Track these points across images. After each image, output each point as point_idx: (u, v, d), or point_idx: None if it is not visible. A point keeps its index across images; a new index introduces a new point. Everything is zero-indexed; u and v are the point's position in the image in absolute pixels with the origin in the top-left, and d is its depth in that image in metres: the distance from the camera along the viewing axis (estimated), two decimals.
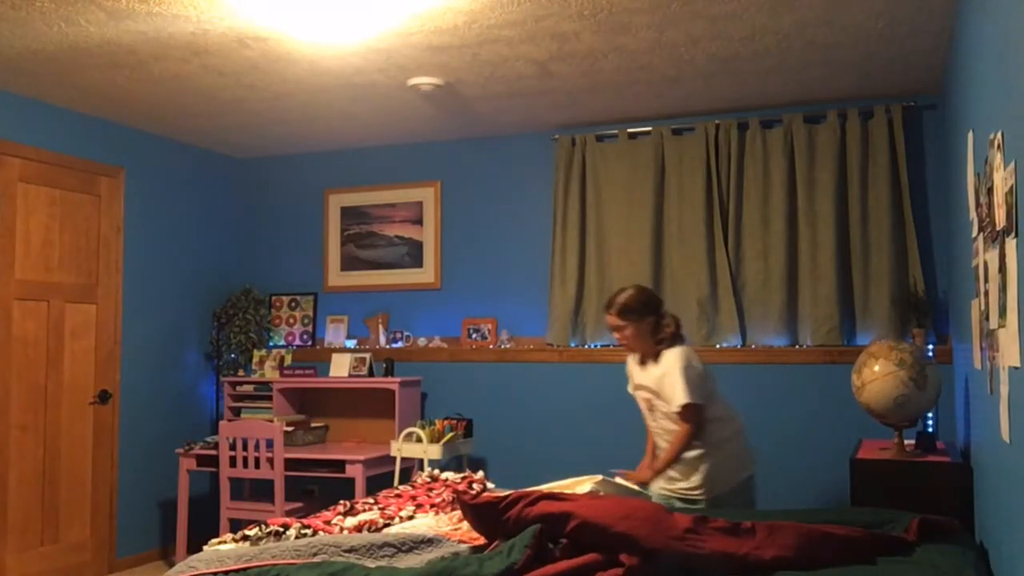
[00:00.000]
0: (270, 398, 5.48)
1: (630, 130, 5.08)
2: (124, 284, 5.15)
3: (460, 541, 2.66)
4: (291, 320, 5.90)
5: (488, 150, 5.51)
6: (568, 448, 5.10)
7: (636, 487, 3.31)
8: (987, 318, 2.52)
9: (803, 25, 3.64)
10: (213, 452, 4.93)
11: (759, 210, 4.79)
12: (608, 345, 5.07)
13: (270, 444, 4.73)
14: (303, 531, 2.83)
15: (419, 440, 4.76)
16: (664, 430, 3.46)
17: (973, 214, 2.89)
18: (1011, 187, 1.97)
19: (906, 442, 3.80)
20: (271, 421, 5.03)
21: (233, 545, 2.72)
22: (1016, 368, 2.01)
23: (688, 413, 3.32)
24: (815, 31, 3.70)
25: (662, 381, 3.38)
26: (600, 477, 3.20)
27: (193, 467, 5.06)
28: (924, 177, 4.63)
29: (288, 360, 5.64)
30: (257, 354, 5.70)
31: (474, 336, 5.40)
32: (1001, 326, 2.18)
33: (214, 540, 2.84)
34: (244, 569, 2.46)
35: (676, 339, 3.45)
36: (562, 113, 4.97)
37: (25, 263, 4.59)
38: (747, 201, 4.82)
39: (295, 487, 5.32)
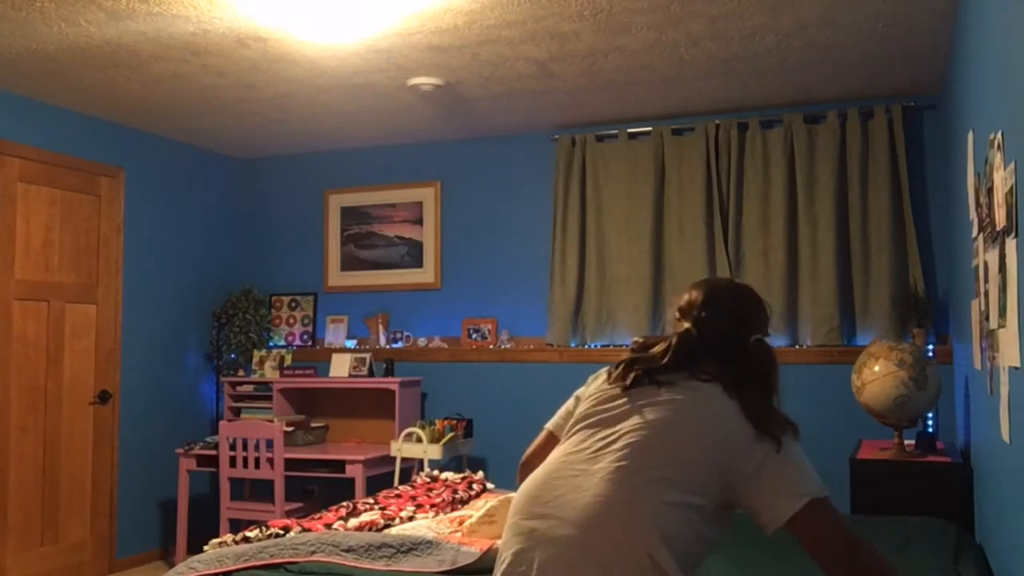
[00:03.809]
0: (270, 398, 5.48)
1: (630, 130, 5.08)
2: (124, 284, 5.15)
3: (460, 543, 2.66)
4: (291, 320, 5.90)
5: (488, 150, 5.51)
6: None
7: None
8: (987, 318, 2.52)
9: (803, 25, 3.64)
10: (213, 452, 4.93)
11: (759, 210, 4.79)
12: (608, 345, 5.07)
13: (270, 444, 4.73)
14: (303, 534, 2.83)
15: (419, 440, 4.76)
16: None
17: (973, 214, 2.89)
18: (1011, 187, 1.97)
19: (906, 442, 3.80)
20: (271, 421, 5.03)
21: (233, 547, 2.72)
22: (1016, 368, 2.01)
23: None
24: (815, 31, 3.70)
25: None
26: None
27: (193, 467, 5.06)
28: (924, 177, 4.63)
29: (288, 360, 5.64)
30: (257, 354, 5.70)
31: (474, 336, 5.40)
32: (1001, 326, 2.18)
33: (214, 540, 2.84)
34: (244, 569, 2.46)
35: None
36: (562, 113, 4.97)
37: (25, 263, 4.59)
38: (747, 201, 4.82)
39: (295, 487, 5.32)
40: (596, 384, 1.94)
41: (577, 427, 1.86)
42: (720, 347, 1.84)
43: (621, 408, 1.81)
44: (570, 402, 2.01)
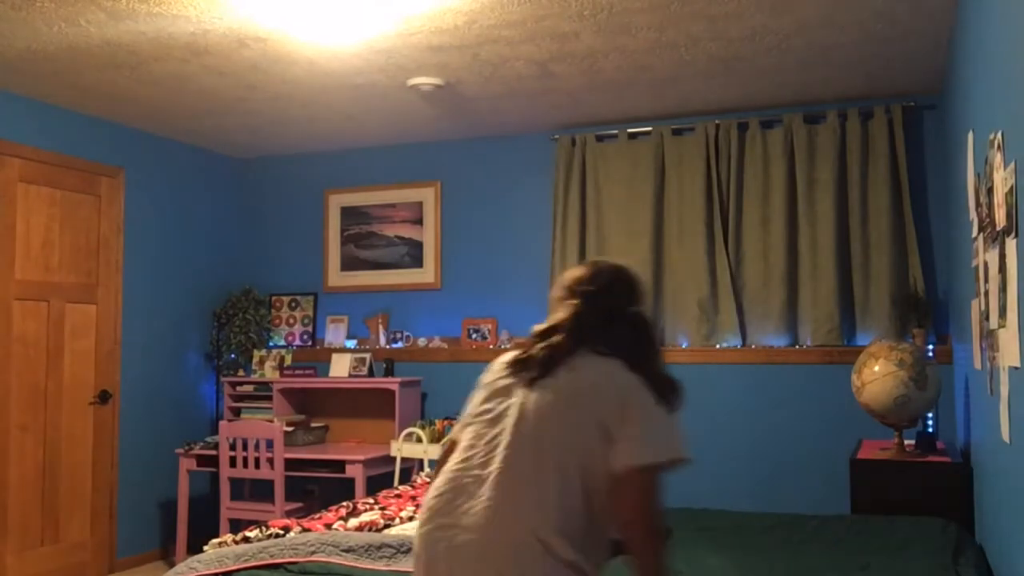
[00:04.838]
0: (270, 398, 5.48)
1: (630, 130, 5.08)
2: (124, 284, 5.15)
3: None
4: (291, 320, 5.90)
5: (488, 150, 5.51)
6: None
7: None
8: (987, 318, 2.52)
9: (803, 25, 3.64)
10: (213, 452, 4.93)
11: (759, 210, 4.79)
12: None
13: (270, 444, 4.72)
14: (303, 534, 2.83)
15: (419, 440, 4.76)
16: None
17: (973, 214, 2.89)
18: (1011, 187, 1.97)
19: (906, 442, 3.80)
20: (271, 421, 5.03)
21: (234, 547, 2.72)
22: (1016, 368, 2.01)
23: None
24: (815, 31, 3.70)
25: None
26: None
27: (193, 467, 5.06)
28: (924, 177, 4.63)
29: (288, 360, 5.64)
30: (257, 354, 5.70)
31: (474, 336, 5.40)
32: (1001, 326, 2.18)
33: (214, 540, 2.84)
34: (244, 569, 2.46)
35: None
36: (562, 113, 4.97)
37: (25, 263, 4.59)
38: (747, 201, 4.82)
39: (295, 487, 5.31)
40: (491, 375, 1.95)
41: (471, 424, 1.89)
42: (606, 321, 1.88)
43: (513, 401, 1.84)
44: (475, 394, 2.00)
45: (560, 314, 1.91)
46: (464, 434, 1.89)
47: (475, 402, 1.93)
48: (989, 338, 2.48)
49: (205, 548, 2.79)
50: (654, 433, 1.76)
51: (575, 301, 1.91)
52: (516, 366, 1.88)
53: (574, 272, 1.97)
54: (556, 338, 1.87)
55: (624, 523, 1.75)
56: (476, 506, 1.76)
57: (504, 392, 1.87)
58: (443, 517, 1.80)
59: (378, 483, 4.87)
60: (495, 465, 1.78)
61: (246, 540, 2.80)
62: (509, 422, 1.82)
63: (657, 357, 1.88)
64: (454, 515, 1.78)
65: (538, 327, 1.93)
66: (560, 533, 1.71)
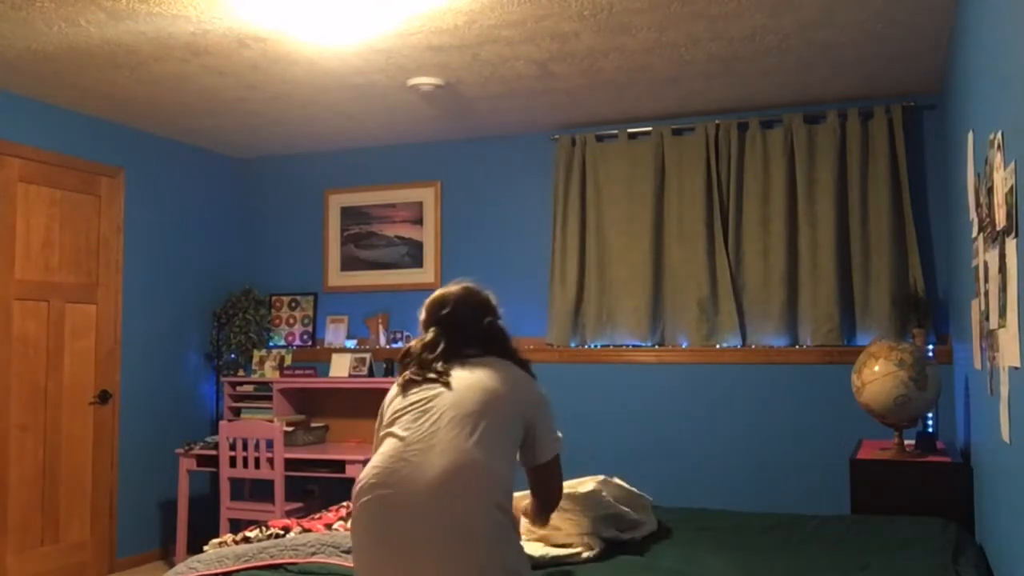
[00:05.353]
0: (270, 398, 5.48)
1: (630, 130, 5.08)
2: (124, 284, 5.15)
3: None
4: (291, 320, 5.90)
5: (488, 150, 5.51)
6: (568, 448, 5.08)
7: (636, 489, 3.31)
8: (987, 318, 2.52)
9: (803, 25, 3.64)
10: (213, 452, 4.93)
11: (759, 210, 4.79)
12: (608, 345, 5.07)
13: (270, 444, 4.72)
14: (304, 534, 2.83)
15: None
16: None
17: (973, 214, 2.89)
18: (1011, 187, 1.97)
19: (906, 442, 3.80)
20: (271, 421, 5.02)
21: (233, 547, 2.72)
22: (1016, 368, 2.01)
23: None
24: (815, 31, 3.70)
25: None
26: (602, 477, 3.20)
27: (193, 467, 5.06)
28: (924, 177, 4.64)
29: (288, 360, 5.64)
30: (257, 354, 5.70)
31: None
32: (1001, 326, 2.18)
33: (214, 540, 2.84)
34: (244, 569, 2.46)
35: None
36: (562, 113, 4.97)
37: (25, 263, 4.59)
38: (747, 201, 4.82)
39: (295, 487, 5.31)
40: (395, 390, 2.27)
41: (401, 417, 2.14)
42: (467, 336, 2.28)
43: (439, 392, 2.13)
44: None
45: (427, 336, 2.29)
46: (396, 426, 2.10)
47: (396, 403, 2.20)
48: (989, 338, 2.48)
49: (205, 548, 2.79)
50: (555, 425, 2.26)
51: (435, 327, 2.30)
52: (412, 384, 2.19)
53: (432, 297, 2.38)
54: (434, 352, 2.23)
55: (544, 497, 2.28)
56: (428, 474, 1.96)
57: (423, 391, 2.14)
58: (389, 488, 1.98)
59: None
60: (440, 437, 2.02)
61: (246, 540, 2.80)
62: (444, 403, 2.07)
63: (515, 353, 2.29)
64: (404, 486, 1.96)
65: (412, 344, 2.31)
66: (508, 497, 2.03)
